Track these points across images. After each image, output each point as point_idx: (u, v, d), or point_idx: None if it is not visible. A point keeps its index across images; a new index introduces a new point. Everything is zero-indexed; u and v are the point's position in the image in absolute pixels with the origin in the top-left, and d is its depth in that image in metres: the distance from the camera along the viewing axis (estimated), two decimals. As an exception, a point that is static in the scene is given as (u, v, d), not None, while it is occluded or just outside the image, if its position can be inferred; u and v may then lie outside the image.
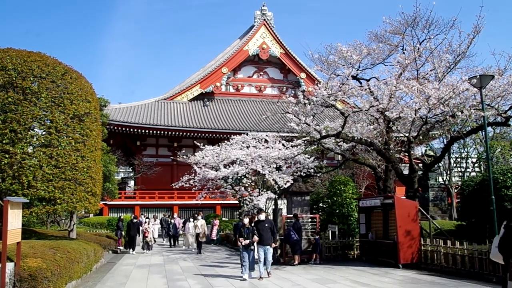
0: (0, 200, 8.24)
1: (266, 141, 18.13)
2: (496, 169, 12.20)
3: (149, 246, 15.71)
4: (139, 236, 15.55)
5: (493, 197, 9.14)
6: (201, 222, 15.51)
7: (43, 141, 9.10)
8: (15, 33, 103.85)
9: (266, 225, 8.96)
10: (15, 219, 5.91)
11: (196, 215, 16.40)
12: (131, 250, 15.16)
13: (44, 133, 9.24)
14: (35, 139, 9.09)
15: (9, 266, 5.66)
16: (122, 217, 17.21)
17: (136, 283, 8.74)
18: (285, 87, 37.39)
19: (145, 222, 16.08)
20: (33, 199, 8.78)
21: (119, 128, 27.05)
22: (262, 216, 9.10)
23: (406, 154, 13.15)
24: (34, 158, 8.76)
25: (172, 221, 18.94)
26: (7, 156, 8.40)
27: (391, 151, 12.94)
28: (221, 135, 26.85)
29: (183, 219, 20.63)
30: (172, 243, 18.31)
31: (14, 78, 8.88)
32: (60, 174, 9.05)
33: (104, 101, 20.68)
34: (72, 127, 9.65)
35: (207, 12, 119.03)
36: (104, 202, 23.77)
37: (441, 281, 8.33)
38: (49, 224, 18.09)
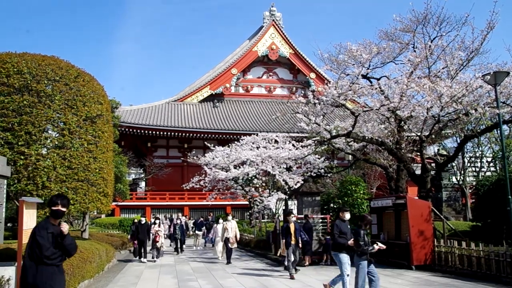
0: (16, 201, 8.42)
1: (276, 141, 18.11)
2: (512, 168, 11.93)
3: (159, 252, 13.27)
4: (149, 240, 13.06)
5: (510, 197, 8.93)
6: (232, 224, 12.67)
7: (56, 142, 9.26)
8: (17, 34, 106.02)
9: (348, 227, 7.03)
10: (30, 219, 6.00)
11: (226, 216, 13.62)
12: (141, 257, 12.70)
13: (57, 135, 9.41)
14: (49, 141, 9.26)
15: (24, 265, 5.77)
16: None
17: (147, 282, 8.81)
18: (294, 87, 37.32)
19: (154, 224, 13.44)
20: (47, 199, 8.92)
21: (130, 130, 27.38)
22: (347, 215, 7.04)
23: (418, 153, 12.97)
24: (48, 160, 8.93)
25: (178, 222, 16.43)
26: (22, 157, 8.58)
27: (403, 150, 12.78)
28: (231, 136, 26.92)
29: (206, 221, 19.34)
30: (179, 248, 15.54)
31: (29, 82, 9.08)
32: (73, 175, 9.19)
33: (115, 103, 20.96)
34: (85, 129, 9.80)
35: (215, 14, 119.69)
36: (115, 203, 24.07)
37: (456, 283, 8.16)
38: (63, 225, 18.35)
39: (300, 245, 9.59)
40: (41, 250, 3.46)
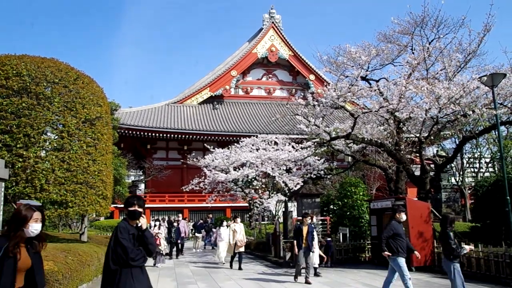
0: (14, 203, 8.40)
1: (275, 143, 18.12)
2: (510, 169, 11.96)
3: (160, 258, 12.28)
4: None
5: (508, 198, 8.93)
6: (241, 226, 11.86)
7: (55, 145, 9.24)
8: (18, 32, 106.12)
9: (403, 228, 6.54)
10: (28, 222, 6.00)
11: (234, 217, 12.56)
12: None
13: (56, 137, 9.40)
14: (47, 143, 9.24)
15: (23, 268, 5.75)
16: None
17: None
18: (294, 89, 37.34)
19: (154, 226, 12.60)
20: (45, 202, 8.92)
21: (130, 132, 27.36)
22: (404, 216, 6.57)
23: (417, 154, 12.97)
24: (46, 162, 8.91)
25: (175, 224, 15.22)
26: (20, 160, 8.56)
27: (402, 152, 12.78)
28: (231, 138, 26.91)
29: (205, 223, 18.96)
30: (173, 251, 14.58)
31: (28, 84, 9.06)
32: (71, 177, 9.17)
33: (115, 105, 20.96)
34: (84, 131, 9.78)
35: (216, 17, 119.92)
36: (114, 205, 24.02)
37: (455, 284, 8.16)
38: (61, 227, 18.35)
39: (314, 249, 8.98)
40: (126, 253, 3.38)
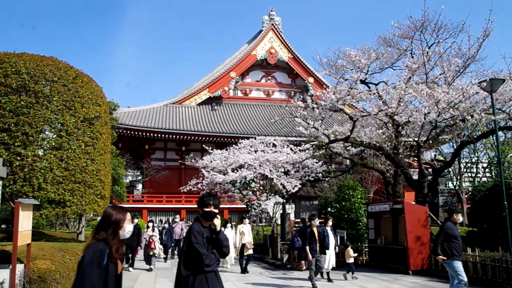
0: (11, 202, 8.36)
1: (274, 145, 18.12)
2: (508, 174, 12.02)
3: (151, 260, 11.46)
4: (140, 248, 11.34)
5: (505, 202, 8.98)
6: (248, 227, 11.33)
7: (54, 144, 9.20)
8: (17, 34, 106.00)
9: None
10: (25, 221, 5.97)
11: (242, 218, 11.91)
12: (128, 266, 11.16)
13: (55, 136, 9.35)
14: (46, 142, 9.20)
15: (19, 268, 5.72)
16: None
17: (143, 286, 8.76)
18: (293, 92, 37.38)
19: (148, 228, 12.23)
20: (43, 201, 8.88)
21: (128, 132, 27.30)
22: (461, 218, 6.37)
23: (416, 158, 13.02)
24: (45, 161, 8.86)
25: (166, 226, 14.46)
26: (18, 158, 8.52)
27: (400, 155, 12.82)
28: (229, 139, 26.91)
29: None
30: (168, 255, 13.97)
31: (27, 82, 9.02)
32: (70, 176, 9.13)
33: (113, 105, 20.90)
34: (83, 130, 9.74)
35: (215, 18, 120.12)
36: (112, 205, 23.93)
37: (452, 288, 8.17)
38: (58, 227, 18.27)
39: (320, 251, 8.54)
40: (201, 259, 3.15)
